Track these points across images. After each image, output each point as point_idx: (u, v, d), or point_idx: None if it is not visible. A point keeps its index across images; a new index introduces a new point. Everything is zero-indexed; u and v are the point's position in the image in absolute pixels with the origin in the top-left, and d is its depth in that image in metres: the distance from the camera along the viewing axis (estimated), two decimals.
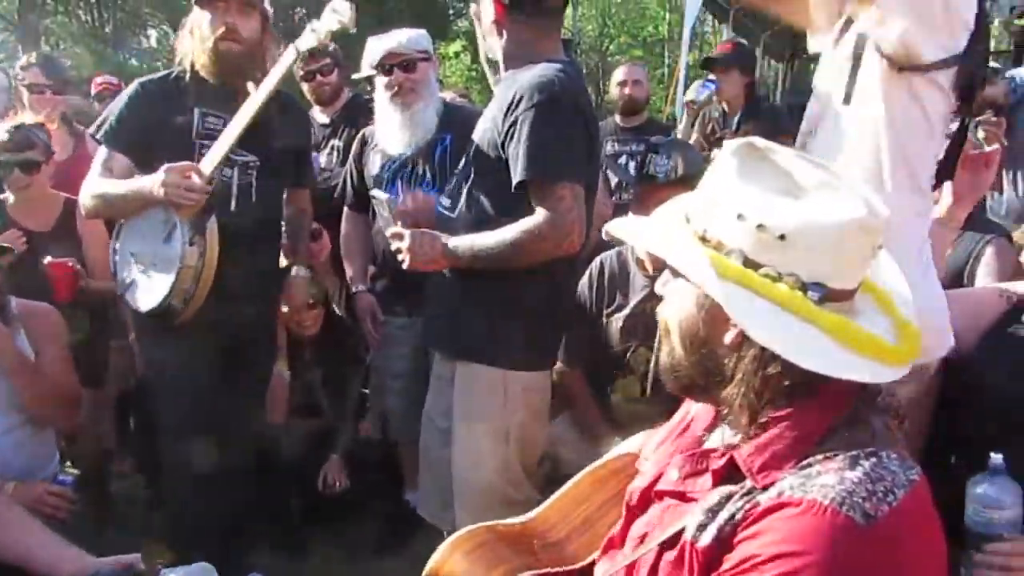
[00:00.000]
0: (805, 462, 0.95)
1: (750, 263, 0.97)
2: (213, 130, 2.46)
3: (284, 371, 3.03)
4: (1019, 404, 1.67)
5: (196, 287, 2.33)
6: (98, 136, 2.52)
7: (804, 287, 0.95)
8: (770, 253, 0.96)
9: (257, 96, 2.36)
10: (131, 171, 2.47)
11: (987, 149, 1.99)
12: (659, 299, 1.11)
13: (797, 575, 0.87)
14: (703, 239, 1.01)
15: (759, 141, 1.03)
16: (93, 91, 5.65)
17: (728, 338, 0.99)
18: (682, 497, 1.05)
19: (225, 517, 2.50)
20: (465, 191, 2.14)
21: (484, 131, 2.13)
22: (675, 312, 1.06)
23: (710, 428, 1.12)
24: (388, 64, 2.77)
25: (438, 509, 2.26)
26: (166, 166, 2.30)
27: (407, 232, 2.09)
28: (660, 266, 1.10)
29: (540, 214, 1.98)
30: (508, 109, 2.02)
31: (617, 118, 4.63)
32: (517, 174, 1.98)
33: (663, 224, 1.09)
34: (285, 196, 2.75)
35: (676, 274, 1.05)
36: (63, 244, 2.96)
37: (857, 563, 0.87)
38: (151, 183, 2.31)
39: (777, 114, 4.63)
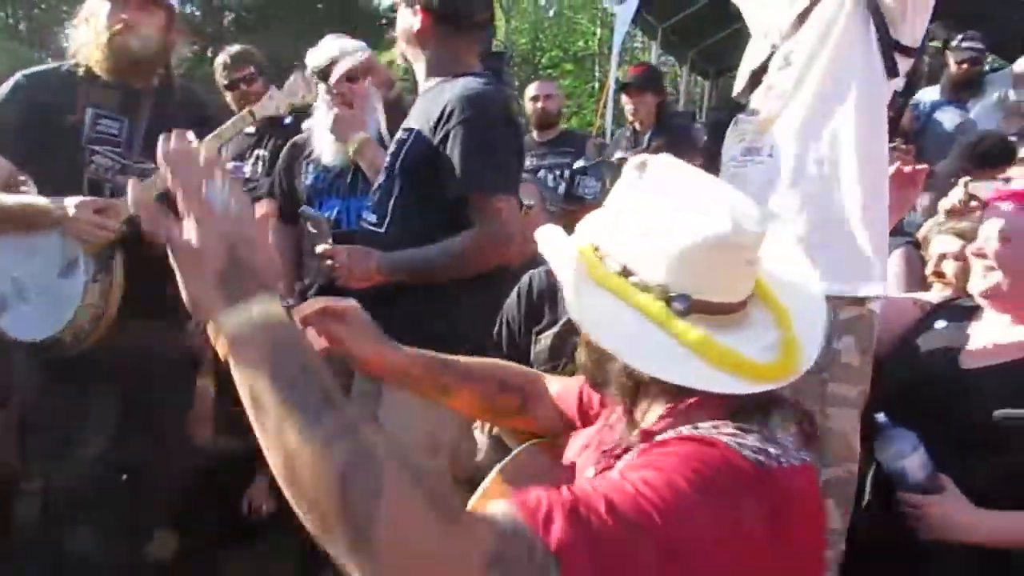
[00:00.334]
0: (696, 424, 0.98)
1: (625, 271, 1.01)
2: (107, 134, 2.27)
3: (209, 386, 2.94)
4: (929, 401, 1.78)
5: (95, 327, 2.17)
6: None
7: (670, 298, 0.99)
8: (643, 263, 1.01)
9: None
10: (11, 173, 2.26)
11: (918, 167, 2.10)
12: None
13: (697, 475, 0.88)
14: (595, 248, 1.06)
15: (655, 158, 1.08)
16: None
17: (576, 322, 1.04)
18: None
19: (137, 539, 2.38)
20: (392, 205, 2.11)
21: (411, 144, 2.10)
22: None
23: (624, 427, 1.15)
24: (331, 72, 2.71)
25: None
26: (78, 201, 2.10)
27: (341, 248, 2.05)
28: None
29: (479, 227, 1.97)
30: (439, 122, 2.00)
31: (533, 133, 4.76)
32: (454, 188, 1.96)
33: (566, 234, 1.14)
34: None
35: None
36: None
37: (742, 497, 0.89)
38: (54, 210, 2.11)
39: (686, 130, 4.95)
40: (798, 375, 1.02)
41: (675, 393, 1.01)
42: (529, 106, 4.83)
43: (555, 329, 2.47)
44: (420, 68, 2.17)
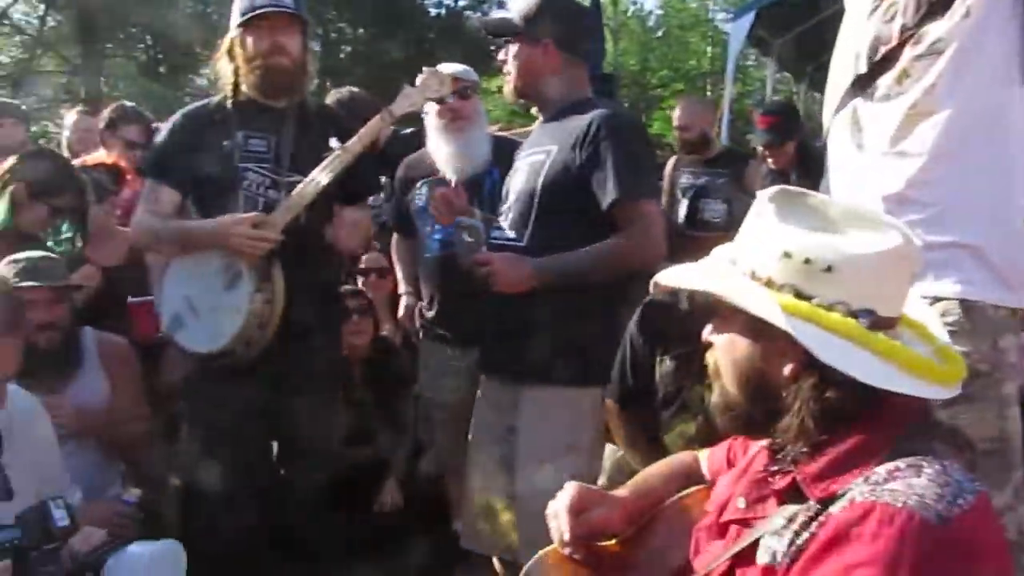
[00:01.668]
0: (868, 473, 0.98)
1: (801, 296, 1.03)
2: (256, 152, 2.44)
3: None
4: None
5: (262, 333, 2.32)
6: (142, 167, 2.54)
7: (855, 314, 1.01)
8: (819, 285, 1.03)
9: (343, 156, 2.33)
10: (178, 201, 2.48)
11: None
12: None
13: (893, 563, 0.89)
14: (753, 277, 1.08)
15: (792, 188, 1.12)
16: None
17: (787, 370, 1.04)
18: (747, 524, 1.11)
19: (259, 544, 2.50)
20: (532, 221, 2.19)
21: (551, 164, 2.18)
22: (726, 354, 1.12)
23: (771, 462, 1.14)
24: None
25: (489, 535, 2.26)
26: (236, 218, 2.28)
27: (495, 256, 2.16)
28: (704, 311, 1.16)
29: (629, 231, 2.10)
30: (583, 142, 2.13)
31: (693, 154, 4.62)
32: (607, 195, 2.09)
33: (710, 269, 1.15)
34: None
35: (724, 318, 1.12)
36: (134, 276, 3.02)
37: (938, 561, 0.90)
38: (213, 230, 2.31)
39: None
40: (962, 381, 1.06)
41: (850, 416, 1.02)
42: (675, 133, 4.82)
43: (680, 351, 2.45)
44: (542, 98, 2.28)
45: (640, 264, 2.08)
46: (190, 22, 14.52)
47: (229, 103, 2.47)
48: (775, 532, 1.02)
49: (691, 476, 1.47)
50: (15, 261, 2.39)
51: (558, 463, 2.11)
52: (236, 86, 2.46)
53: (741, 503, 1.13)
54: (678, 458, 1.55)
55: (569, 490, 1.37)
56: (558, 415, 2.15)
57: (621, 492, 1.44)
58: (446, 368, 2.97)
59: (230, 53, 2.46)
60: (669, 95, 22.70)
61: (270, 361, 2.38)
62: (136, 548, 1.66)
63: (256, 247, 2.27)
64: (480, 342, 2.43)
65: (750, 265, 1.09)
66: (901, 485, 0.94)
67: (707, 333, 1.16)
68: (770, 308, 1.02)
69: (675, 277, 1.17)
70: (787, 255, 1.05)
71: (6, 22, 15.19)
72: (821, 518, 0.98)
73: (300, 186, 2.35)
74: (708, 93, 20.63)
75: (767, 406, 1.07)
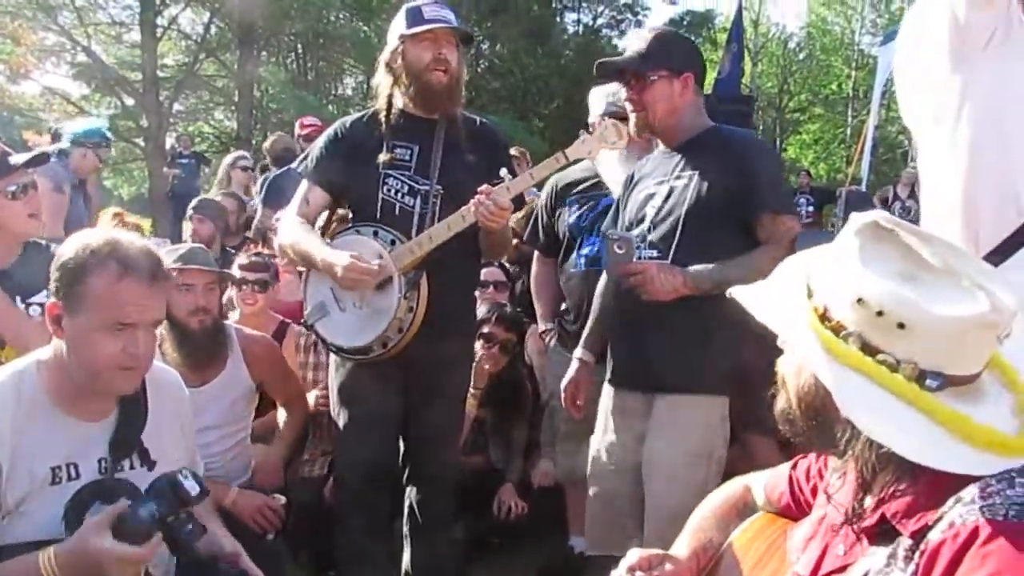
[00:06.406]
0: (957, 496, 0.95)
1: (868, 348, 0.98)
2: (399, 160, 2.47)
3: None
4: None
5: (401, 337, 2.38)
6: (300, 171, 2.61)
7: (922, 375, 0.96)
8: (889, 339, 0.97)
9: (514, 185, 2.34)
10: (326, 203, 2.55)
11: None
12: None
13: None
14: (823, 317, 1.03)
15: (885, 220, 1.03)
16: (298, 131, 6.15)
17: (844, 415, 1.00)
18: (844, 569, 1.08)
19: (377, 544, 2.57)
20: (676, 243, 2.24)
21: (695, 188, 2.24)
22: (792, 376, 1.09)
23: (855, 502, 1.10)
24: (611, 111, 2.83)
25: (619, 537, 2.25)
26: (352, 265, 2.29)
27: (650, 264, 2.20)
28: None
29: (773, 243, 2.20)
30: (730, 162, 2.22)
31: None
32: (755, 208, 2.22)
33: (785, 291, 1.12)
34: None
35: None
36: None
37: None
38: (330, 265, 2.35)
39: None
40: None
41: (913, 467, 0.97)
42: None
43: None
44: (677, 129, 2.32)
45: None
46: (339, 34, 15.19)
47: (383, 114, 2.52)
48: (878, 571, 0.99)
49: (744, 509, 1.46)
50: (174, 250, 2.55)
51: (690, 468, 2.16)
52: (391, 97, 2.51)
53: (840, 550, 1.09)
54: (728, 492, 1.53)
55: (632, 554, 1.37)
56: (691, 421, 2.19)
57: (682, 550, 1.43)
58: None
59: (389, 65, 2.51)
60: (807, 119, 22.01)
61: (407, 362, 2.44)
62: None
63: (358, 283, 2.33)
64: (615, 356, 2.43)
65: (824, 301, 1.04)
66: (998, 499, 0.91)
67: (780, 341, 1.11)
68: (817, 359, 1.00)
69: (748, 297, 1.14)
70: (860, 303, 0.99)
71: (174, 27, 16.33)
72: (922, 546, 0.95)
73: (453, 217, 2.37)
74: (849, 119, 19.86)
75: (825, 439, 1.05)
